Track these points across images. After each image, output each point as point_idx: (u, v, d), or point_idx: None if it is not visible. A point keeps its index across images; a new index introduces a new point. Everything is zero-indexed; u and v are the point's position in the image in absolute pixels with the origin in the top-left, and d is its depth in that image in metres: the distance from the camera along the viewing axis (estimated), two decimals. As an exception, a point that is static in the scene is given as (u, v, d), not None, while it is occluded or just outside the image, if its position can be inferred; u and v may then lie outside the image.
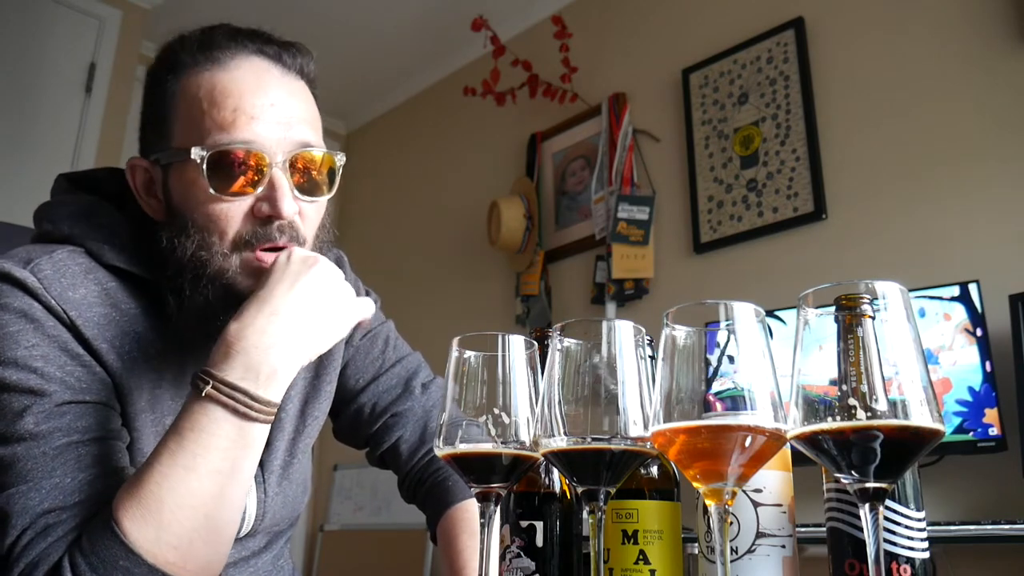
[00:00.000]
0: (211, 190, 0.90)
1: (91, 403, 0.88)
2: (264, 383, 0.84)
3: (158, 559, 0.78)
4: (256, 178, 0.91)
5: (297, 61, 0.98)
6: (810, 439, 0.60)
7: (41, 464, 0.82)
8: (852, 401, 0.59)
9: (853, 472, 0.59)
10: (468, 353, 0.75)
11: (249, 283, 0.92)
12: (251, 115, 0.91)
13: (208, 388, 0.81)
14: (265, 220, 0.92)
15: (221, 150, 0.90)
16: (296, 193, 0.94)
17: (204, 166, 0.90)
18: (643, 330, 0.71)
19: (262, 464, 1.03)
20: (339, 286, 0.91)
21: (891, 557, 0.72)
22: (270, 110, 0.92)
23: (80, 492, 0.82)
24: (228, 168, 0.90)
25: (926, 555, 0.73)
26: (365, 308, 0.93)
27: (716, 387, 0.64)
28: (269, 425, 0.86)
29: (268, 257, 0.92)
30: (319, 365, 1.11)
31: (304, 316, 0.87)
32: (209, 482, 0.81)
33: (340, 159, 0.99)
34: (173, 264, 0.93)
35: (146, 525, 0.78)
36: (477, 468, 0.73)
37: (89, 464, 0.84)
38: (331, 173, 0.98)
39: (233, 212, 0.91)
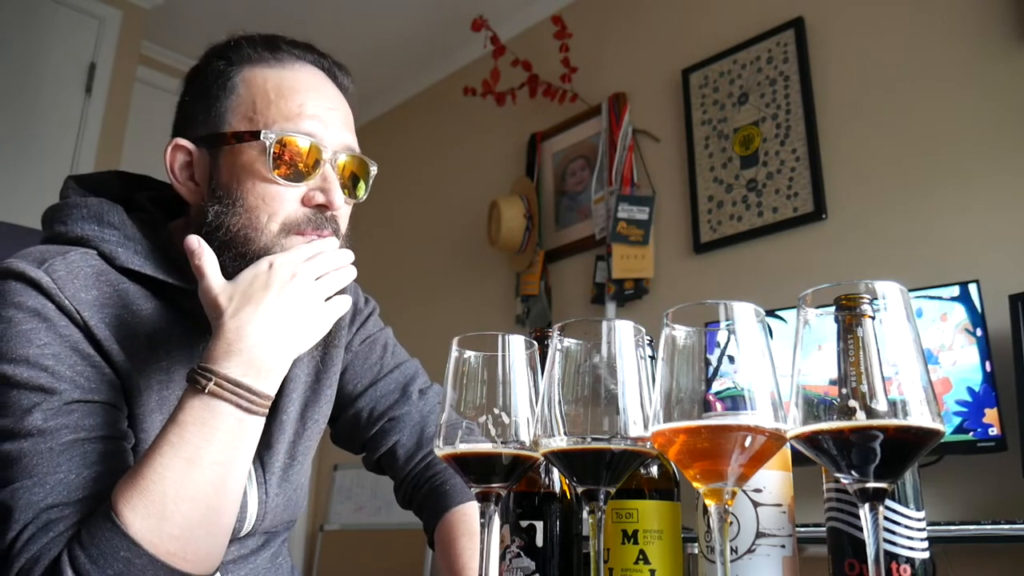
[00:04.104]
0: (271, 173, 0.95)
1: (99, 403, 0.89)
2: (264, 378, 0.87)
3: (159, 549, 0.79)
4: (312, 169, 0.98)
5: (346, 80, 1.07)
6: (810, 439, 0.60)
7: (47, 460, 0.83)
8: (852, 401, 0.59)
9: (853, 472, 0.59)
10: (468, 353, 0.75)
11: None
12: (313, 113, 0.99)
13: (211, 385, 0.84)
14: (315, 209, 0.98)
15: (287, 137, 0.96)
16: None
17: (270, 149, 0.95)
18: (643, 330, 0.71)
19: (263, 465, 1.04)
20: (319, 294, 0.94)
21: (891, 557, 0.72)
22: (328, 112, 1.01)
23: (84, 489, 0.83)
24: (289, 155, 0.96)
25: (926, 555, 0.73)
26: (342, 305, 0.97)
27: (716, 387, 0.64)
28: (265, 417, 0.89)
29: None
30: (319, 370, 1.12)
31: (292, 317, 0.90)
32: (211, 473, 0.83)
33: (374, 168, 1.06)
34: (216, 241, 0.95)
35: (148, 516, 0.79)
36: (477, 468, 0.73)
37: (94, 461, 0.85)
38: (365, 178, 1.06)
39: (287, 195, 0.97)
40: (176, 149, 1.02)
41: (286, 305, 0.90)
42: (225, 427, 0.84)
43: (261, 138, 0.95)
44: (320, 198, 0.98)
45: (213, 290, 0.90)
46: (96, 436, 0.87)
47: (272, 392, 0.88)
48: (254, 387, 0.86)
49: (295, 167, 0.96)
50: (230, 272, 0.94)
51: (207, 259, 0.91)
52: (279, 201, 0.96)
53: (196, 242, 0.92)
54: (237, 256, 0.95)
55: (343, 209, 1.02)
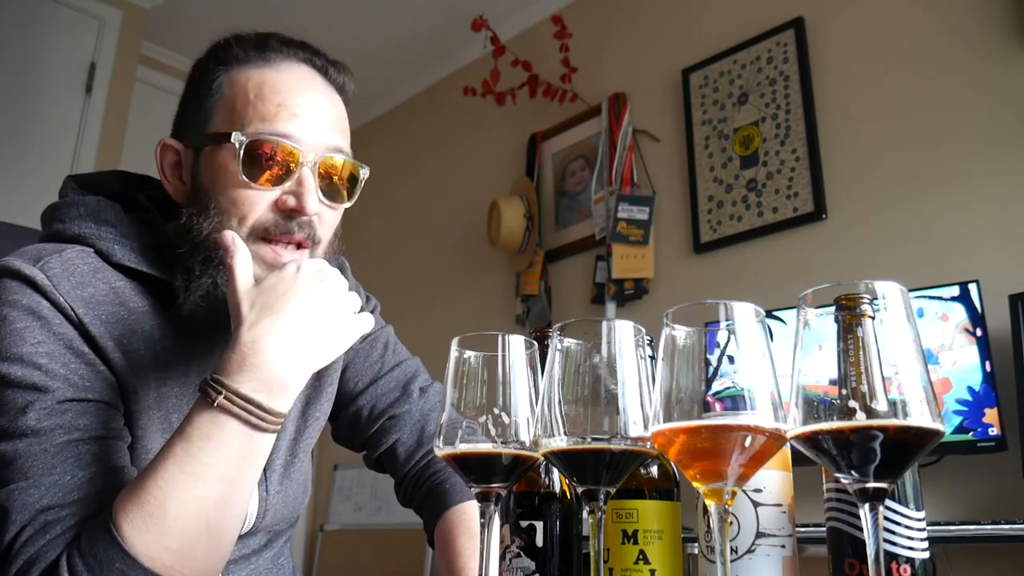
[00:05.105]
0: (242, 176, 0.93)
1: (94, 401, 0.89)
2: (276, 395, 0.84)
3: (155, 563, 0.78)
4: (286, 172, 0.94)
5: (340, 77, 1.03)
6: (810, 439, 0.60)
7: (42, 461, 0.83)
8: (852, 401, 0.59)
9: (853, 472, 0.59)
10: (468, 353, 0.75)
11: (259, 274, 0.92)
12: (293, 112, 0.95)
13: (220, 399, 0.81)
14: (287, 214, 0.95)
15: (259, 138, 0.93)
16: (320, 195, 0.97)
17: (241, 152, 0.92)
18: (643, 330, 0.71)
19: (265, 463, 1.04)
20: (345, 302, 0.91)
21: (891, 557, 0.72)
22: (311, 112, 0.97)
23: (79, 490, 0.83)
24: (262, 158, 0.93)
25: (926, 555, 0.73)
26: (366, 323, 0.94)
27: (716, 387, 0.64)
28: (276, 434, 0.86)
29: (286, 256, 0.94)
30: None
31: (314, 329, 0.87)
32: (214, 489, 0.81)
33: (364, 172, 1.02)
34: (188, 243, 0.94)
35: (146, 529, 0.78)
36: (477, 468, 0.73)
37: (89, 462, 0.85)
38: (353, 183, 1.01)
39: (258, 199, 0.94)
40: (165, 148, 1.01)
41: (311, 312, 0.86)
42: (232, 443, 0.82)
43: (232, 139, 0.93)
44: (292, 202, 0.94)
45: (238, 294, 0.86)
46: (90, 436, 0.86)
47: (285, 410, 0.85)
48: (265, 404, 0.83)
49: (268, 170, 0.93)
50: (199, 275, 0.93)
51: (239, 258, 0.88)
52: (249, 205, 0.93)
53: (231, 238, 0.89)
54: (207, 259, 0.93)
55: (326, 214, 0.98)
